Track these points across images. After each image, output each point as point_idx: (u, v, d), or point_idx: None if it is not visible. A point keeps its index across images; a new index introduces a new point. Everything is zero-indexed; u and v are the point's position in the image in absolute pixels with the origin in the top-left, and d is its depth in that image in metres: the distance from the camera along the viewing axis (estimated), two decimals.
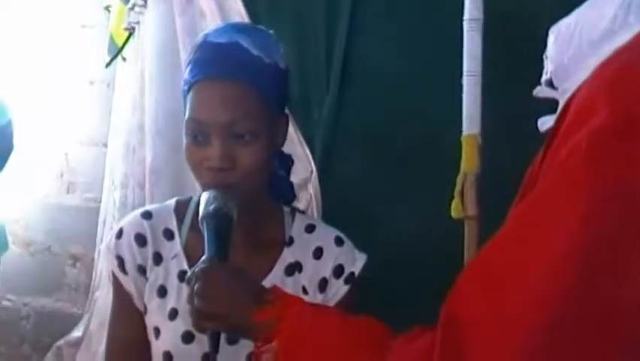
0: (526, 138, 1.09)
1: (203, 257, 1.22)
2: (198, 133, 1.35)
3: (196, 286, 1.17)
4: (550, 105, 0.99)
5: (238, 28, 1.45)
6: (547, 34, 1.02)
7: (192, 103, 1.36)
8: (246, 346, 1.39)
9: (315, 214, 2.40)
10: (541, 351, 0.79)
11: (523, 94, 1.37)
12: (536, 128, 1.02)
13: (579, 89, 0.88)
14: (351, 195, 2.38)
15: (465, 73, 1.79)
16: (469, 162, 1.79)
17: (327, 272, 1.48)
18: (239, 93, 1.34)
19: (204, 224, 1.27)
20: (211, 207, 1.27)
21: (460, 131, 1.84)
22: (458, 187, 1.79)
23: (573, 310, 0.78)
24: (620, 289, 0.77)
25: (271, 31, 1.48)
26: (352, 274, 1.48)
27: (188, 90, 1.38)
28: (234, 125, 1.33)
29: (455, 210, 1.80)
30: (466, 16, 1.79)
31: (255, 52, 1.37)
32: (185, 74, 1.40)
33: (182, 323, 1.44)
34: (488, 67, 1.81)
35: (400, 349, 0.99)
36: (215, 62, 1.36)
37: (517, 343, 0.80)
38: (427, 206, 2.03)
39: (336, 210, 2.38)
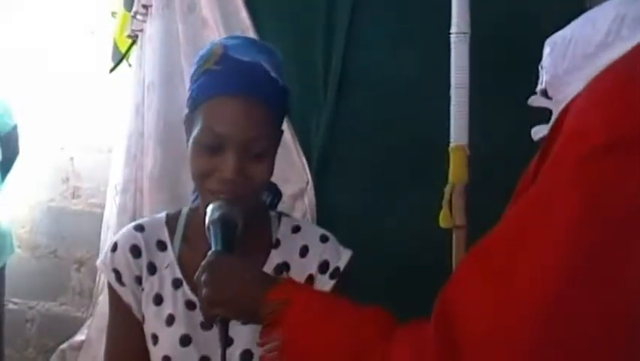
0: (513, 149, 1.11)
1: (210, 251, 1.28)
2: (213, 144, 1.38)
3: (203, 276, 1.23)
4: (537, 115, 1.02)
5: (257, 46, 1.48)
6: (535, 47, 1.05)
7: (210, 114, 1.39)
8: (238, 346, 1.45)
9: None
10: (538, 340, 0.81)
11: (512, 105, 1.39)
12: (523, 139, 1.05)
13: (574, 101, 0.91)
14: (347, 205, 2.39)
15: (453, 85, 1.81)
16: (456, 172, 1.81)
17: (313, 269, 1.52)
18: (258, 112, 1.38)
19: (210, 230, 1.32)
20: (217, 215, 1.33)
21: None
22: (446, 197, 1.81)
23: (569, 301, 0.80)
24: (614, 287, 0.80)
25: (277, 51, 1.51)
26: (337, 269, 1.52)
27: (205, 99, 1.40)
28: (251, 142, 1.37)
29: (443, 220, 1.82)
30: (453, 30, 1.82)
31: (273, 74, 1.41)
32: (200, 81, 1.42)
33: (180, 327, 1.48)
34: (477, 78, 1.83)
35: (403, 337, 1.01)
36: (239, 79, 1.39)
37: (514, 332, 0.83)
38: (423, 215, 2.05)
39: (331, 220, 2.39)
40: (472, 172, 1.83)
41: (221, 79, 1.39)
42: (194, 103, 1.42)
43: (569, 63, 0.93)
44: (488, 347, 0.85)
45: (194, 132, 1.40)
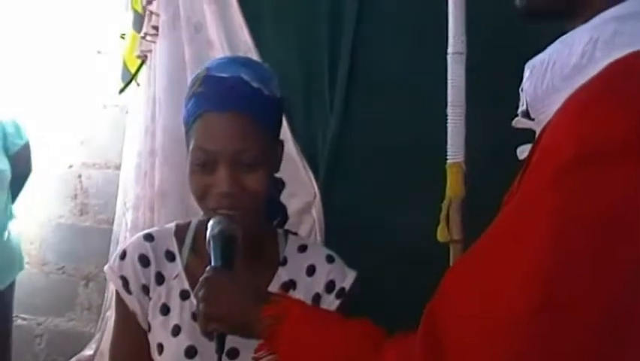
0: (509, 165, 1.14)
1: (208, 267, 1.33)
2: (205, 162, 1.43)
3: (201, 292, 1.27)
4: (530, 134, 1.05)
5: (238, 62, 1.53)
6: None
7: (199, 133, 1.44)
8: (245, 359, 1.47)
9: (319, 237, 2.46)
10: (519, 350, 0.85)
11: (508, 122, 1.43)
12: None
13: (550, 120, 0.95)
14: (355, 217, 2.40)
15: (449, 104, 1.85)
16: (453, 188, 1.85)
17: (320, 288, 1.56)
18: (243, 124, 1.43)
19: (211, 244, 1.37)
20: (217, 230, 1.37)
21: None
22: (444, 212, 1.85)
23: (547, 310, 0.84)
24: (585, 299, 0.83)
25: (266, 64, 1.56)
26: (343, 289, 1.56)
27: (193, 121, 1.46)
28: (240, 154, 1.42)
29: (441, 235, 1.86)
30: (449, 50, 1.86)
31: (255, 84, 1.45)
32: (189, 105, 1.48)
33: (186, 339, 1.51)
34: (474, 96, 1.87)
35: (391, 347, 1.05)
36: (220, 95, 1.44)
37: (496, 342, 0.86)
38: (433, 227, 2.06)
39: (339, 232, 2.42)
40: (470, 186, 1.86)
41: (205, 98, 1.44)
42: (186, 127, 1.49)
43: (547, 85, 0.97)
44: (472, 357, 0.88)
45: (189, 154, 1.45)
